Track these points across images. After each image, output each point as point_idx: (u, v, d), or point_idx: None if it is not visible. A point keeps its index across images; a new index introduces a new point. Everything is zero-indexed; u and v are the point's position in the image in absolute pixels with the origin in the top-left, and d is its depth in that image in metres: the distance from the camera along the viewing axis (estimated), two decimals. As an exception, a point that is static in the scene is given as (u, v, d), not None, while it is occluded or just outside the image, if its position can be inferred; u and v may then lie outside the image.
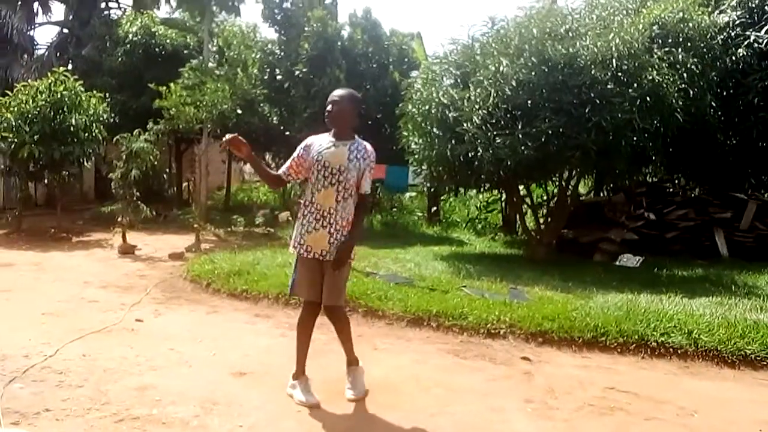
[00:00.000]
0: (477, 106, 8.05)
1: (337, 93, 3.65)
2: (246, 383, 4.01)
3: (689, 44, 8.87)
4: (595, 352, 4.90)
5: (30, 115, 11.06)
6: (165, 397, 3.65)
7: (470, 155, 8.09)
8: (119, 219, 9.99)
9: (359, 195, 3.65)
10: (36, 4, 18.94)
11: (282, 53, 13.82)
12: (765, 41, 9.43)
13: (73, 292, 6.69)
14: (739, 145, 9.96)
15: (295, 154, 3.71)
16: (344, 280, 3.76)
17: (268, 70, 14.09)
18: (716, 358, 4.69)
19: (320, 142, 3.65)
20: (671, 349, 4.81)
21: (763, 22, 9.61)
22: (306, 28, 13.06)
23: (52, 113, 11.15)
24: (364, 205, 3.75)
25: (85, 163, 12.43)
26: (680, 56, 8.54)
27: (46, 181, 12.84)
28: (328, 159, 3.56)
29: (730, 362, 4.65)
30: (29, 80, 12.52)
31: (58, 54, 17.92)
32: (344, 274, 3.71)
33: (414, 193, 15.86)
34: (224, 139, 3.58)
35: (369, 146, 3.70)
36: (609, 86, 7.73)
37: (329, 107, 3.62)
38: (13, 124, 10.99)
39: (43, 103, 11.14)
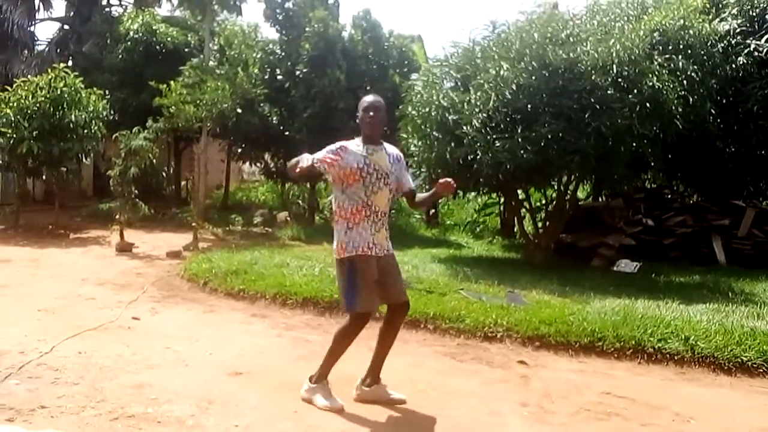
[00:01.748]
0: (477, 110, 8.05)
1: (375, 101, 3.68)
2: (242, 383, 3.99)
3: (689, 51, 8.89)
4: (591, 356, 4.90)
5: (29, 111, 11.05)
6: (161, 396, 3.64)
7: (469, 158, 8.10)
8: (117, 216, 9.98)
9: (409, 191, 3.87)
10: (37, 0, 18.91)
11: (283, 53, 13.84)
12: (765, 50, 9.46)
13: (70, 289, 6.67)
14: (737, 152, 9.99)
15: (329, 151, 3.58)
16: None
17: (268, 69, 14.10)
18: (713, 365, 4.69)
19: (357, 149, 3.63)
20: (668, 355, 4.80)
21: (764, 31, 9.64)
22: (307, 29, 13.06)
23: (51, 109, 11.13)
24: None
25: (84, 160, 12.43)
26: (680, 63, 8.57)
27: (44, 177, 12.82)
28: (377, 163, 3.62)
29: (726, 369, 4.65)
30: (29, 76, 12.50)
31: (58, 50, 17.91)
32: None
33: (413, 196, 15.83)
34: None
35: (396, 149, 3.89)
36: (609, 92, 7.74)
37: (371, 114, 3.63)
38: (12, 119, 10.97)
39: (43, 99, 11.13)
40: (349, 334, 3.72)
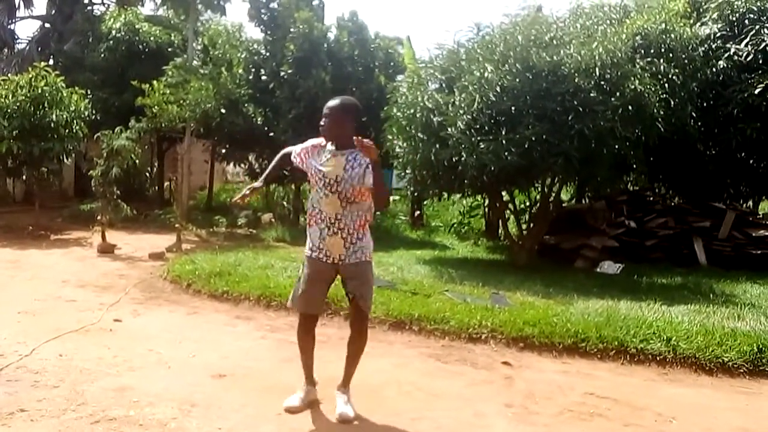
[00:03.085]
0: (461, 111, 8.07)
1: (329, 104, 3.51)
2: (225, 385, 3.97)
3: (671, 55, 9.00)
4: (575, 357, 4.93)
5: (9, 110, 10.89)
6: (143, 399, 3.61)
7: (454, 160, 8.12)
8: (99, 217, 9.86)
9: (370, 188, 3.43)
10: (18, -2, 18.69)
11: (267, 54, 13.77)
12: (745, 54, 9.59)
13: (51, 291, 6.58)
14: (718, 155, 10.11)
15: (303, 146, 3.63)
16: (371, 288, 3.63)
17: (253, 70, 14.03)
18: (694, 365, 4.74)
19: (323, 151, 3.53)
20: (650, 356, 4.85)
21: (744, 35, 9.78)
22: (292, 29, 13.02)
23: (32, 109, 10.98)
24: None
25: (65, 160, 12.28)
26: (662, 67, 8.66)
27: (24, 177, 12.65)
28: (325, 171, 3.46)
29: (708, 369, 4.70)
30: (9, 75, 12.32)
31: (39, 49, 17.67)
32: (370, 281, 3.60)
33: (397, 197, 15.89)
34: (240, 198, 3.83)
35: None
36: (592, 94, 7.80)
37: (322, 120, 3.51)
38: (-8, 119, 10.81)
39: (24, 98, 10.97)
40: (298, 333, 3.70)
